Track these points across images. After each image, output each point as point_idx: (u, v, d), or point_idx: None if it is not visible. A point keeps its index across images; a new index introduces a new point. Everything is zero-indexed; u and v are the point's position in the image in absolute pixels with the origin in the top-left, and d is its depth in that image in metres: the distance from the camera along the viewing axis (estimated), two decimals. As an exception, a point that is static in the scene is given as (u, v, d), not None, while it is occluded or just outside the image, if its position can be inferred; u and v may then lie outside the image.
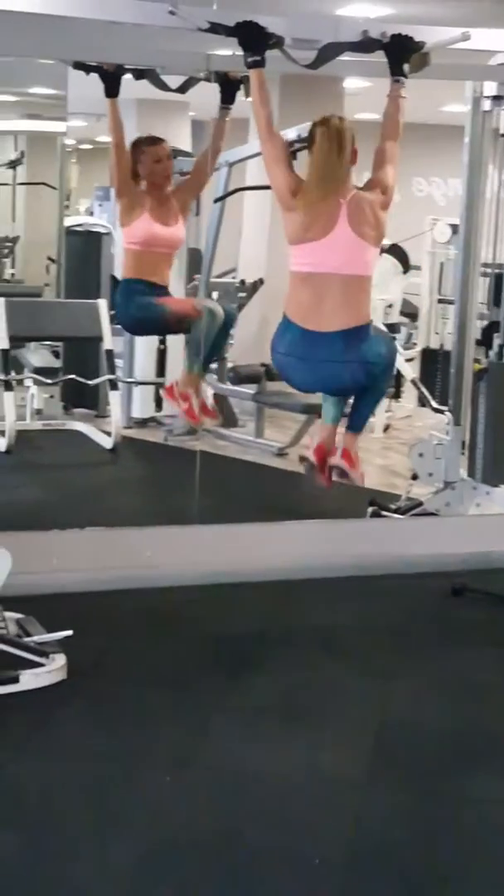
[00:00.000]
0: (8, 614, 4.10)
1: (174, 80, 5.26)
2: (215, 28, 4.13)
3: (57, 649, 3.97)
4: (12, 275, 9.37)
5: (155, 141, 5.24)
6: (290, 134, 6.45)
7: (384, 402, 8.36)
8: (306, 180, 4.32)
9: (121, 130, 5.13)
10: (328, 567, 5.18)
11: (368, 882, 2.90)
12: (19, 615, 4.19)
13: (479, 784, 3.40)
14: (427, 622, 4.80)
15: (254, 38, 4.12)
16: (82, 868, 2.89)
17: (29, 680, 3.80)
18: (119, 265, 5.96)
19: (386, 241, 8.64)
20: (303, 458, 4.63)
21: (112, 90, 5.00)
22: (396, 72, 4.33)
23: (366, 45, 4.33)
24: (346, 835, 3.10)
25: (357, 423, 4.65)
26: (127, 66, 5.00)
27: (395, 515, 5.79)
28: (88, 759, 3.45)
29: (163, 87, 5.10)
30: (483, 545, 5.45)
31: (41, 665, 3.88)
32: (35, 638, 4.02)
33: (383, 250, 8.61)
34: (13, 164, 9.46)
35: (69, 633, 4.03)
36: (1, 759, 3.41)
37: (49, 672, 3.86)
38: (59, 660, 3.92)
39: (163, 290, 5.29)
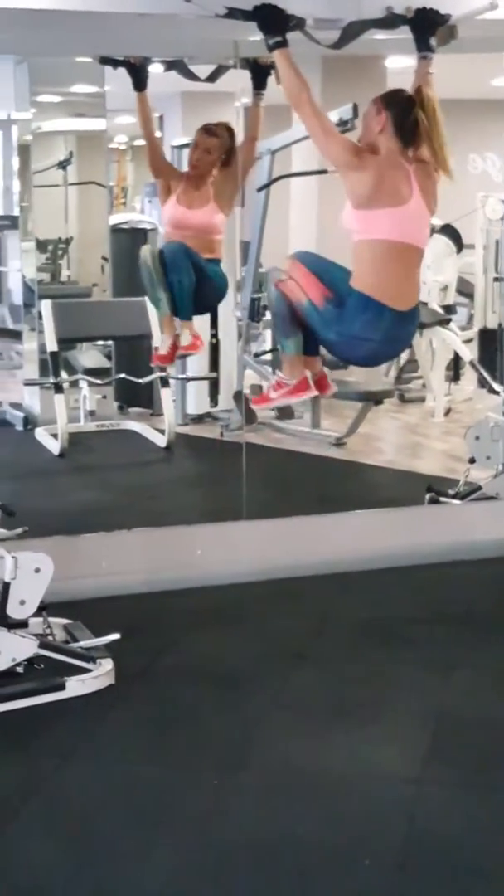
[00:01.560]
0: (55, 620, 4.05)
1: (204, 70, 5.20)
2: (233, 13, 4.02)
3: (104, 654, 3.92)
4: (68, 276, 9.36)
5: (206, 129, 5.22)
6: (332, 117, 6.36)
7: (444, 386, 8.23)
8: (388, 142, 4.06)
9: (150, 123, 5.18)
10: (386, 557, 5.08)
11: (421, 883, 2.81)
12: (67, 620, 4.14)
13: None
14: (487, 609, 4.68)
15: (273, 21, 4.00)
16: (129, 876, 2.83)
17: (75, 686, 3.75)
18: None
19: (437, 221, 8.50)
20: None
21: (140, 84, 4.95)
22: (423, 47, 4.18)
23: (390, 21, 4.20)
24: (400, 833, 3.01)
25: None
26: (155, 59, 4.93)
27: (454, 501, 5.66)
28: (134, 765, 3.39)
29: (191, 77, 5.04)
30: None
31: (88, 671, 3.83)
32: (82, 643, 3.97)
33: (435, 231, 8.46)
34: (63, 165, 9.43)
35: (117, 636, 3.97)
36: (46, 768, 3.36)
37: (96, 678, 3.81)
38: (107, 665, 3.87)
39: None
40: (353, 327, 4.07)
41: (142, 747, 3.50)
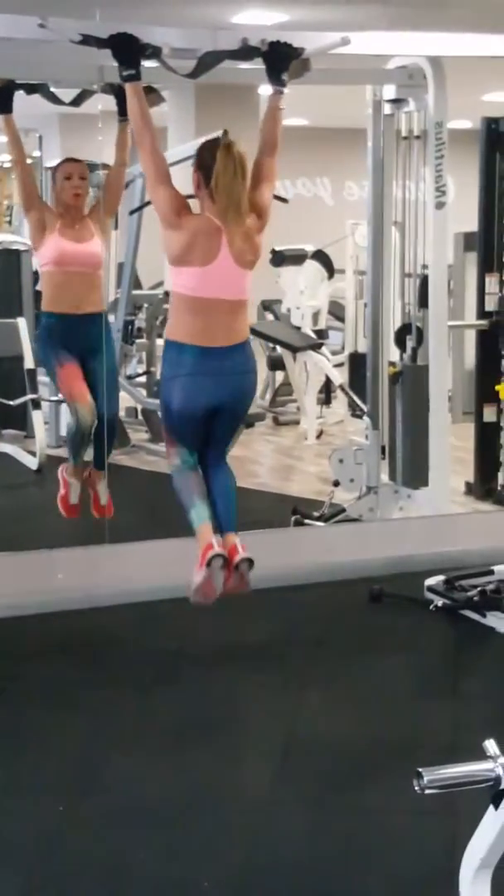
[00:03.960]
0: None
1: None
2: (88, 40, 4.02)
3: (-45, 679, 3.89)
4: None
5: (69, 160, 5.12)
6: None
7: (316, 409, 8.34)
8: (203, 201, 4.02)
9: (20, 147, 5.01)
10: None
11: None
12: None
13: (379, 796, 3.34)
14: (343, 631, 4.75)
15: (128, 49, 3.98)
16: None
17: None
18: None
19: (310, 247, 8.62)
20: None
21: (4, 106, 4.89)
22: (275, 80, 4.17)
23: (245, 52, 4.23)
24: (242, 855, 3.04)
25: (231, 523, 4.24)
26: (18, 82, 4.90)
27: (318, 523, 5.73)
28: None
29: (55, 101, 5.02)
30: (406, 549, 5.42)
31: None
32: None
33: (308, 256, 8.58)
34: None
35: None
36: None
37: None
38: (-44, 690, 3.84)
39: (79, 322, 4.98)
40: (170, 371, 4.08)
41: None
